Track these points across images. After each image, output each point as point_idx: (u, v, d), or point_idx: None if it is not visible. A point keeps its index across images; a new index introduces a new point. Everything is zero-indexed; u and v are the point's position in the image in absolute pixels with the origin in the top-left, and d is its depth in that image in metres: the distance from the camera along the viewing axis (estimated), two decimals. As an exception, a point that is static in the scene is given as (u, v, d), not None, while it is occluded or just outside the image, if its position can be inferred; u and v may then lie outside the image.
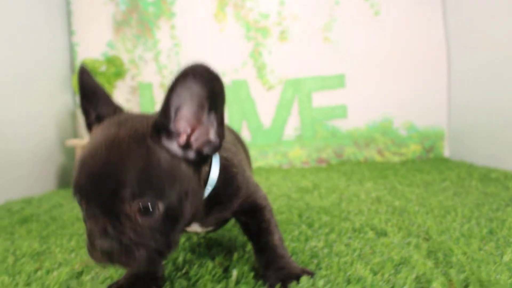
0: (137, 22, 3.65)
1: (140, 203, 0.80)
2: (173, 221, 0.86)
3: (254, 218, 1.16)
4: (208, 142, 0.90)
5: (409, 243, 1.31)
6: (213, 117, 0.88)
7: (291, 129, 3.71)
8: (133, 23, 3.65)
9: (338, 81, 3.65)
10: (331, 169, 3.30)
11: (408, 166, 3.22)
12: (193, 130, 0.89)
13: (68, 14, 3.62)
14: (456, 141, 3.55)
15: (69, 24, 3.61)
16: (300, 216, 1.77)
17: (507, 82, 2.78)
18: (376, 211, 1.79)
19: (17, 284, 1.13)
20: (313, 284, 1.01)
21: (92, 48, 3.58)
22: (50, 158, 3.17)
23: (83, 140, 3.11)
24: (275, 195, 2.31)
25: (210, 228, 1.20)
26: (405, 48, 3.62)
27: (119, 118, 0.90)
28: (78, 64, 3.54)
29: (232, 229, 1.61)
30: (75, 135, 3.56)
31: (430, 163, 3.31)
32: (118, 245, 0.79)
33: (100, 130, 0.87)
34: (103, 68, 3.21)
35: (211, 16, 3.55)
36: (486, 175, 2.55)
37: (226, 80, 3.58)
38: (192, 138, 0.89)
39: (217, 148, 0.91)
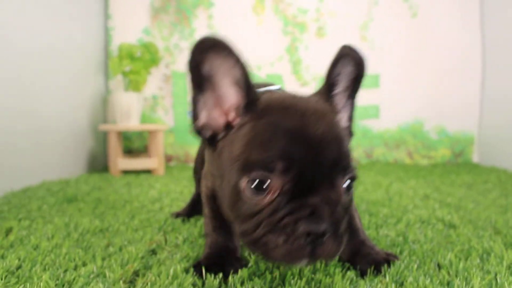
0: (175, 10, 3.63)
1: (350, 178, 0.78)
2: (351, 205, 0.88)
3: None
4: (346, 127, 0.95)
5: (482, 236, 1.29)
6: (350, 102, 0.94)
7: (322, 127, 3.68)
8: (170, 11, 3.63)
9: (373, 81, 3.64)
10: (362, 168, 3.28)
11: (439, 169, 3.20)
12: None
13: (105, -2, 3.62)
14: (486, 147, 3.53)
15: (106, 7, 3.60)
16: (357, 206, 1.75)
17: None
18: (432, 206, 1.77)
19: (94, 257, 1.10)
20: (406, 267, 0.99)
21: (128, 33, 3.55)
22: (82, 143, 3.16)
23: (117, 125, 3.10)
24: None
25: None
26: (440, 51, 3.62)
27: (292, 96, 0.88)
28: (112, 48, 3.53)
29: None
30: (105, 120, 3.55)
31: (461, 168, 3.29)
32: (333, 229, 0.73)
33: (291, 104, 0.82)
34: (138, 54, 3.20)
35: (249, 8, 3.54)
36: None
37: (261, 74, 3.57)
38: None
39: (350, 133, 0.96)
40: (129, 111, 3.16)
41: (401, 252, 1.13)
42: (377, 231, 1.35)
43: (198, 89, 0.83)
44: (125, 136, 3.61)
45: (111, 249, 1.19)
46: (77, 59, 3.14)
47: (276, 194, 0.74)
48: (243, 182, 0.76)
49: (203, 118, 0.86)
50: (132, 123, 3.19)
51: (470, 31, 3.59)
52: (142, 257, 1.11)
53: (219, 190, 0.90)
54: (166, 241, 1.29)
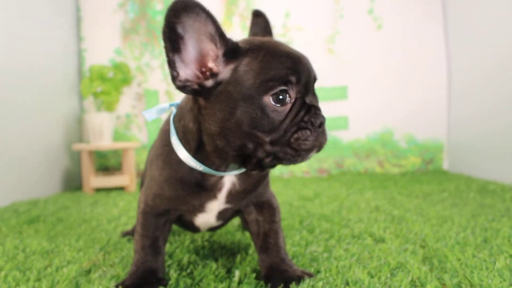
0: (145, 30, 3.73)
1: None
2: None
3: (267, 216, 1.21)
4: None
5: (406, 250, 1.36)
6: None
7: (293, 139, 3.76)
8: (141, 31, 3.72)
9: (341, 93, 3.72)
10: (332, 179, 3.35)
11: (407, 177, 3.27)
12: None
13: (78, 20, 3.69)
14: (455, 154, 3.61)
15: (78, 30, 3.69)
16: (301, 222, 1.82)
17: (506, 96, 2.84)
18: (375, 219, 1.84)
19: (28, 279, 1.18)
20: (313, 286, 1.06)
21: (100, 55, 3.65)
22: (56, 161, 3.23)
23: (89, 145, 3.17)
24: (278, 201, 2.36)
25: (219, 223, 1.25)
26: (407, 62, 3.70)
27: (264, 38, 1.07)
28: (85, 69, 3.60)
29: (236, 233, 1.66)
30: (81, 139, 3.62)
31: (429, 175, 3.36)
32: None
33: (270, 40, 1.02)
34: (110, 74, 3.27)
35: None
36: (484, 187, 2.60)
37: (230, 89, 3.64)
38: None
39: None
40: (101, 130, 3.23)
41: (317, 269, 1.20)
42: (306, 248, 1.41)
43: (173, 49, 0.92)
44: (100, 154, 3.68)
45: (48, 270, 1.27)
46: (51, 81, 3.22)
47: (293, 101, 0.93)
48: (268, 98, 0.91)
49: (183, 74, 0.95)
50: (104, 142, 3.26)
51: (435, 39, 3.67)
52: (74, 277, 1.19)
53: (222, 131, 0.95)
54: (104, 260, 1.36)
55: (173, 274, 1.18)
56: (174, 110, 1.11)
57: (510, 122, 2.81)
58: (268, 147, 0.92)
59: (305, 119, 0.92)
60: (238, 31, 3.69)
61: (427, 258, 1.28)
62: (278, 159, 0.93)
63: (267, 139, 0.91)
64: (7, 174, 2.61)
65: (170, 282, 1.13)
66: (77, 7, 3.70)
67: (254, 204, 1.20)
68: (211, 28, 0.91)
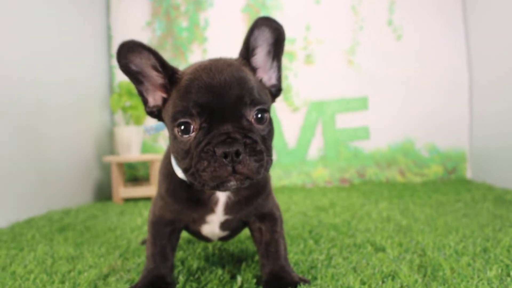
0: (171, 46, 3.91)
1: (258, 110, 1.01)
2: (271, 137, 1.07)
3: (269, 226, 1.28)
4: (274, 85, 1.16)
5: (403, 258, 1.43)
6: (275, 64, 1.15)
7: (315, 150, 3.85)
8: (168, 47, 3.91)
9: (361, 103, 3.78)
10: (352, 189, 3.40)
11: (427, 187, 3.29)
12: (263, 72, 1.14)
13: (109, 38, 3.91)
14: (478, 162, 3.59)
15: (109, 47, 3.90)
16: (310, 232, 1.91)
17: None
18: (382, 229, 1.90)
19: (53, 282, 1.33)
20: (307, 290, 1.15)
21: (129, 71, 3.84)
22: (88, 173, 3.42)
23: (119, 156, 3.35)
24: (293, 212, 2.45)
25: (225, 233, 1.33)
26: (427, 71, 3.73)
27: (208, 60, 1.08)
28: (116, 85, 3.81)
29: (246, 242, 1.76)
30: (112, 152, 3.81)
31: (451, 185, 3.37)
32: (249, 149, 0.94)
33: (204, 66, 1.02)
34: (138, 89, 3.44)
35: (241, 41, 3.71)
36: (501, 197, 2.61)
37: (253, 101, 3.76)
38: (264, 79, 1.14)
39: (279, 90, 1.18)
40: (129, 143, 3.41)
41: (314, 276, 1.28)
42: (308, 255, 1.50)
43: (137, 82, 1.10)
44: (130, 166, 3.86)
45: (72, 273, 1.42)
46: (84, 96, 3.44)
47: (197, 132, 0.98)
48: (176, 129, 1.00)
49: (151, 101, 1.13)
50: (133, 154, 3.43)
51: (455, 48, 3.69)
52: (93, 280, 1.33)
53: (172, 153, 1.10)
54: (122, 266, 1.49)
55: (181, 279, 1.29)
56: None
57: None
58: (185, 174, 1.02)
59: (206, 149, 0.93)
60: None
61: (423, 266, 1.34)
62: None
63: (182, 166, 1.02)
64: (43, 185, 2.80)
65: (177, 286, 1.24)
66: (107, 26, 3.92)
67: (256, 215, 1.28)
68: (153, 61, 1.06)
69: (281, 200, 2.97)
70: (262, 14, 3.80)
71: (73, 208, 2.90)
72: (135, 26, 3.92)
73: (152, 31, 3.92)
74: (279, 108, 3.82)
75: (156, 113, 1.12)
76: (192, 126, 0.97)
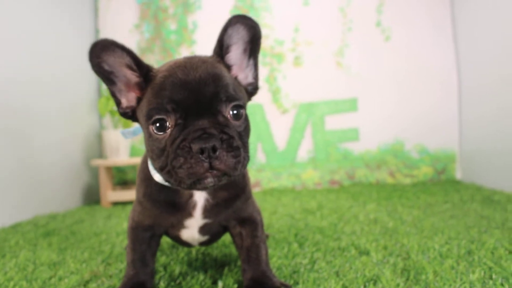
0: (160, 49, 3.88)
1: (233, 106, 0.99)
2: (247, 133, 1.06)
3: (249, 231, 1.25)
4: (250, 83, 1.14)
5: (387, 262, 1.42)
6: (252, 62, 1.13)
7: (304, 152, 3.84)
8: (156, 50, 3.89)
9: (351, 105, 3.78)
10: (342, 191, 3.40)
11: (417, 188, 3.29)
12: (239, 70, 1.12)
13: (97, 41, 3.88)
14: (468, 163, 3.60)
15: (97, 51, 3.87)
16: (296, 235, 1.89)
17: (513, 106, 2.85)
18: (368, 231, 1.89)
19: (32, 289, 1.30)
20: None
21: (118, 74, 3.81)
22: (76, 177, 3.39)
23: (107, 160, 3.32)
24: (280, 214, 2.44)
25: (205, 238, 1.31)
26: (416, 72, 3.74)
27: (183, 58, 1.05)
28: (104, 89, 3.78)
29: (230, 246, 1.75)
30: (100, 155, 3.79)
31: (440, 186, 3.37)
32: (226, 145, 0.92)
33: (179, 63, 1.00)
34: (126, 92, 3.42)
35: (228, 43, 3.72)
36: (489, 198, 2.61)
37: (242, 103, 3.75)
38: (240, 77, 1.12)
39: (256, 88, 1.16)
40: (118, 146, 3.38)
41: (296, 280, 1.27)
42: (292, 259, 1.49)
43: (109, 83, 1.07)
44: (119, 170, 3.84)
45: (52, 280, 1.40)
46: (72, 99, 3.42)
47: (173, 128, 0.95)
48: (150, 127, 0.97)
49: (124, 102, 1.09)
50: (121, 158, 3.41)
51: (444, 49, 3.69)
52: (74, 287, 1.30)
53: (148, 153, 1.06)
54: (104, 271, 1.47)
55: (162, 285, 1.28)
56: None
57: (517, 131, 2.81)
58: (160, 172, 1.00)
59: (181, 145, 0.92)
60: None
61: (406, 270, 1.33)
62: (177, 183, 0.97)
63: (158, 165, 0.99)
64: (30, 189, 2.77)
65: (157, 293, 1.23)
66: (96, 29, 3.89)
67: (235, 219, 1.25)
68: (128, 60, 1.03)
69: (269, 202, 2.95)
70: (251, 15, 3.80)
71: (60, 213, 2.87)
72: (123, 29, 3.90)
73: (140, 33, 3.90)
74: (268, 110, 3.81)
75: (129, 114, 1.10)
76: (167, 123, 0.95)
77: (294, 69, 3.82)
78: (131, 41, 3.88)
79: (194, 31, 3.86)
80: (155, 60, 3.86)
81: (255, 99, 3.59)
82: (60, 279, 1.40)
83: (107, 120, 3.76)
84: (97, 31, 3.89)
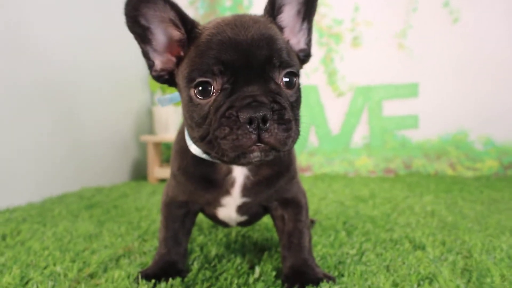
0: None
1: (287, 73, 0.88)
2: (299, 105, 0.94)
3: (292, 215, 1.14)
4: (302, 49, 1.02)
5: (445, 259, 1.26)
6: (305, 26, 1.01)
7: (359, 137, 3.66)
8: (209, 25, 3.81)
9: (411, 90, 3.54)
10: (397, 180, 3.20)
11: (480, 182, 3.04)
12: (291, 34, 1.00)
13: (152, 17, 3.86)
14: (540, 159, 3.30)
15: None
16: (344, 223, 1.76)
17: None
18: (424, 224, 1.73)
19: (64, 260, 1.26)
20: (330, 288, 1.02)
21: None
22: (126, 152, 3.40)
23: (155, 136, 3.30)
24: (330, 201, 2.31)
25: (244, 218, 1.20)
26: (485, 57, 3.43)
27: (232, 15, 0.94)
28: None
29: (272, 229, 1.64)
30: (151, 131, 3.78)
31: (507, 181, 3.10)
32: (277, 116, 0.81)
33: (228, 21, 0.89)
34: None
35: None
36: None
37: (295, 84, 3.63)
38: (292, 42, 1.00)
39: (308, 56, 1.03)
40: (167, 123, 3.35)
41: (341, 272, 1.15)
42: (338, 249, 1.36)
43: (144, 42, 0.95)
44: (168, 146, 3.82)
45: (85, 252, 1.35)
46: (126, 75, 3.42)
47: (218, 93, 0.85)
48: (192, 91, 0.87)
49: (158, 64, 0.98)
50: (170, 134, 3.37)
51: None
52: (104, 261, 1.25)
53: (185, 122, 0.97)
54: (138, 248, 1.41)
55: (195, 266, 1.19)
56: None
57: None
58: (200, 143, 0.88)
59: (227, 114, 0.81)
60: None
61: (467, 270, 1.17)
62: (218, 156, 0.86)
63: (198, 134, 0.88)
64: (80, 162, 2.79)
65: (190, 274, 1.14)
66: (150, 5, 3.86)
67: (278, 200, 1.14)
68: (171, 14, 0.90)
69: (319, 188, 2.82)
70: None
71: (107, 187, 2.88)
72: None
73: (195, 9, 3.84)
74: (323, 93, 3.66)
75: (165, 78, 0.99)
76: (212, 87, 0.84)
77: (352, 50, 3.63)
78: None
79: (249, 7, 3.75)
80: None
81: (311, 80, 3.45)
82: (93, 252, 1.35)
83: (159, 96, 3.75)
84: (152, 6, 3.86)
